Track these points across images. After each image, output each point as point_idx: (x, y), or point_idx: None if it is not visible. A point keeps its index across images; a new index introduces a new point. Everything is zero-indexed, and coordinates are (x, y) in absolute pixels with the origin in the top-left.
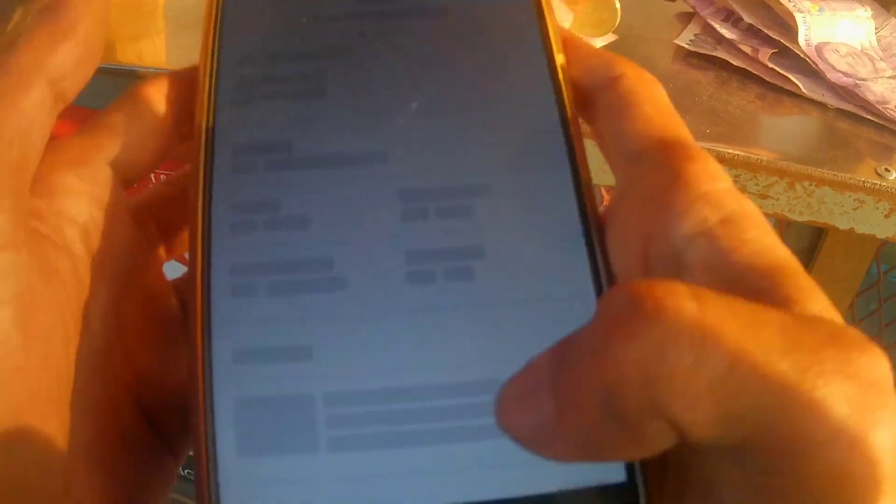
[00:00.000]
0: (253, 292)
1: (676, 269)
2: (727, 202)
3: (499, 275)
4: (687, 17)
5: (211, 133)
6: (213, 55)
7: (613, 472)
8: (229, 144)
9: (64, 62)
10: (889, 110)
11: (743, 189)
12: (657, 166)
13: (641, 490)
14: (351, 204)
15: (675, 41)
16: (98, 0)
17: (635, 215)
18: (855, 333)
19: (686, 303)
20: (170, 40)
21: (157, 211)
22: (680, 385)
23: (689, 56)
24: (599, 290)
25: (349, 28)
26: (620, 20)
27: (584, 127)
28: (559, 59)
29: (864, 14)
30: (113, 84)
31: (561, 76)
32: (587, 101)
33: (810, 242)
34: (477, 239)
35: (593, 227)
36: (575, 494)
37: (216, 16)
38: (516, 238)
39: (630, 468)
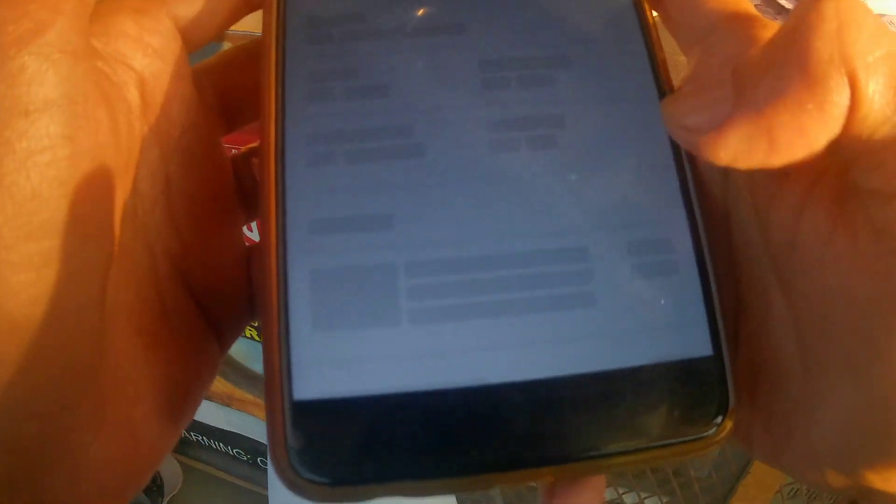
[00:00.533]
0: (330, 160)
1: None
2: None
3: (581, 144)
4: None
5: (283, 3)
6: None
7: (700, 345)
8: (303, 14)
9: None
10: None
11: None
12: (732, 34)
13: (727, 361)
14: (430, 73)
15: None
16: None
17: None
18: None
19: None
20: None
21: (220, 78)
22: (864, 41)
23: None
24: (678, 160)
25: None
26: None
27: None
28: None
29: None
30: None
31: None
32: None
33: None
34: (558, 108)
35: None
36: (663, 367)
37: None
38: (596, 108)
39: (716, 340)
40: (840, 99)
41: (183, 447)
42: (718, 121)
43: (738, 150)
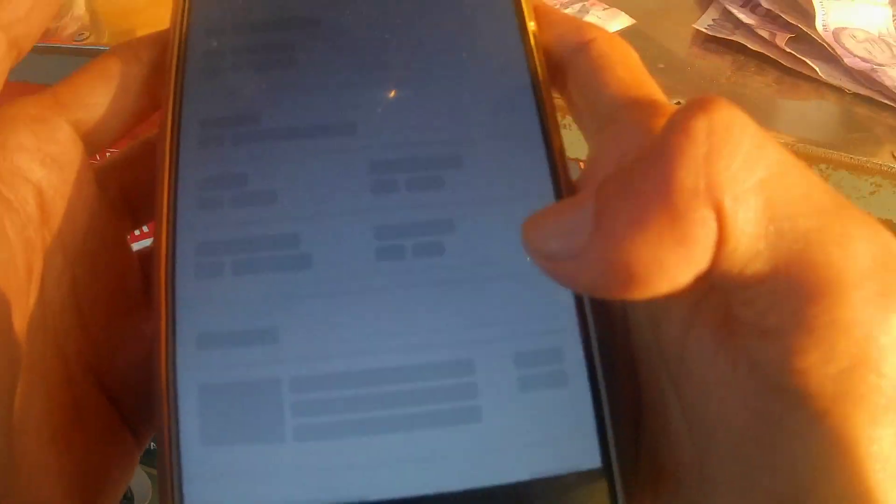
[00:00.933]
0: (218, 272)
1: None
2: None
3: (470, 250)
4: (707, 2)
5: (178, 104)
6: (181, 24)
7: (588, 458)
8: (197, 117)
9: (17, 8)
10: None
11: None
12: (631, 126)
13: (617, 472)
14: (319, 178)
15: (694, 25)
16: None
17: None
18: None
19: (750, 119)
20: None
21: (123, 175)
22: (736, 168)
23: (707, 41)
24: None
25: None
26: (639, 4)
27: (558, 100)
28: (530, 26)
29: (882, 0)
30: None
31: (533, 44)
32: (559, 69)
33: None
34: (448, 213)
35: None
36: (551, 482)
37: None
38: (488, 212)
39: (605, 451)
40: (704, 234)
41: (151, 459)
42: (576, 249)
43: (596, 282)
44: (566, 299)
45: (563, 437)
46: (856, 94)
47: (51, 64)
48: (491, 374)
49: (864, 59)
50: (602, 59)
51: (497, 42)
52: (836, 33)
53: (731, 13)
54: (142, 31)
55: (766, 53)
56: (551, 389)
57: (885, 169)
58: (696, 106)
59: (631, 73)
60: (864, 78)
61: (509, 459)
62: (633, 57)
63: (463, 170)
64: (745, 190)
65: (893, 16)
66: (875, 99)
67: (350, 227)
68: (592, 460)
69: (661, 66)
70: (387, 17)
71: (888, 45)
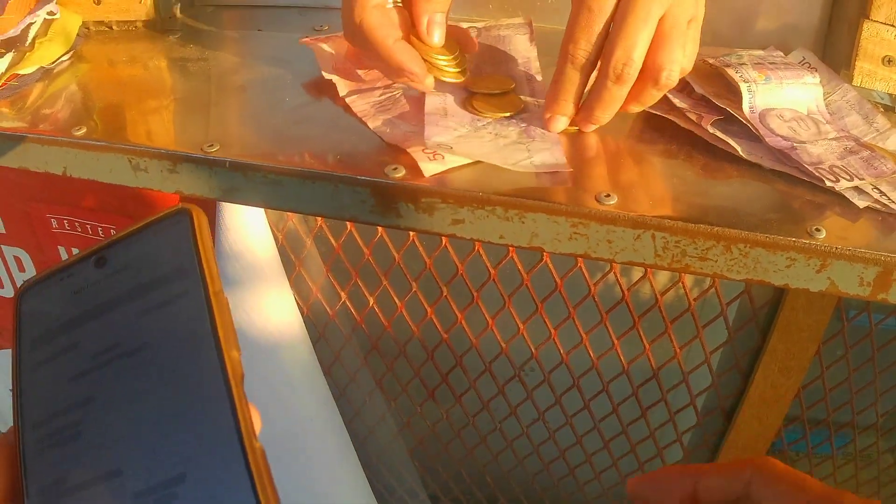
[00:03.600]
0: None
1: None
2: None
3: None
4: None
5: (24, 467)
6: (19, 421)
7: None
8: (35, 484)
9: None
10: (820, 169)
11: (683, 253)
12: None
13: None
14: None
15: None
16: None
17: None
18: None
19: None
20: (178, 120)
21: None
22: None
23: (643, 129)
24: None
25: (90, 381)
26: None
27: None
28: (234, 366)
29: (813, 80)
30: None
31: (235, 392)
32: None
33: (774, 296)
34: None
35: None
36: None
37: (16, 390)
38: None
39: None
40: None
41: None
42: None
43: None
44: None
45: None
46: (773, 171)
47: (49, 154)
48: None
49: (785, 138)
50: None
51: (207, 391)
52: (763, 115)
53: (667, 97)
54: (132, 129)
55: (693, 132)
56: None
57: (798, 244)
58: None
59: None
60: (783, 156)
61: None
62: None
63: (187, 487)
64: None
65: (826, 94)
66: (793, 175)
67: None
68: None
69: (591, 154)
70: (137, 388)
71: (815, 121)
